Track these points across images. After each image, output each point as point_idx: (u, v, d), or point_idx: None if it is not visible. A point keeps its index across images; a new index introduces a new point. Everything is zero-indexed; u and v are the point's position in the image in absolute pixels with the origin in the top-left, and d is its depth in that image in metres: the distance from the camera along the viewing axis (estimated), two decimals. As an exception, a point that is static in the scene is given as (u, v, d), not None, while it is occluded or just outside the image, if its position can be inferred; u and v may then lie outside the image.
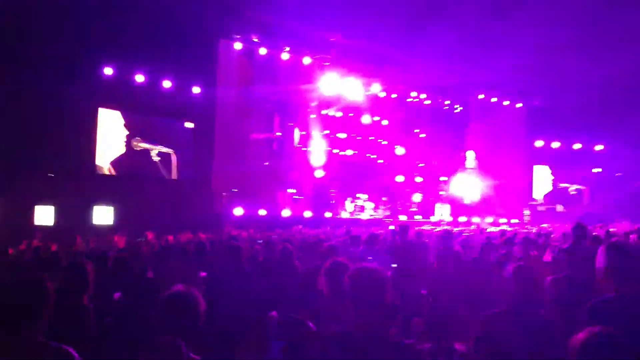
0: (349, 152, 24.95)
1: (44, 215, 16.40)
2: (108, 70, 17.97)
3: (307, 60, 22.09)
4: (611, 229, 11.19)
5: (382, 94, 24.41)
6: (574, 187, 29.31)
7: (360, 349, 2.55)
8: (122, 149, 19.13)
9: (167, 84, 19.40)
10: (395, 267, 5.55)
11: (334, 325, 2.83)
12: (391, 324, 2.69)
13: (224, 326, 4.11)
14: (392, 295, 2.75)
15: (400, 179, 26.10)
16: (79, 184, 16.80)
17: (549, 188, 29.34)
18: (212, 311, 2.68)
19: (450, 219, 25.28)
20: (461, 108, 27.29)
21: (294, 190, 22.66)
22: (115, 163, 18.95)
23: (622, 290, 2.98)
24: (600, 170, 28.83)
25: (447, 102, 26.84)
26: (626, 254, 3.10)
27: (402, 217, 23.98)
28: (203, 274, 5.15)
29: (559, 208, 28.71)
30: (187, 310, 2.56)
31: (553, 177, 29.45)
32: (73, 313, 3.42)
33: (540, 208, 28.61)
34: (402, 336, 2.70)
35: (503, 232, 10.90)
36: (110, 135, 18.83)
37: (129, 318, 4.50)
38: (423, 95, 25.46)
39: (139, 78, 18.75)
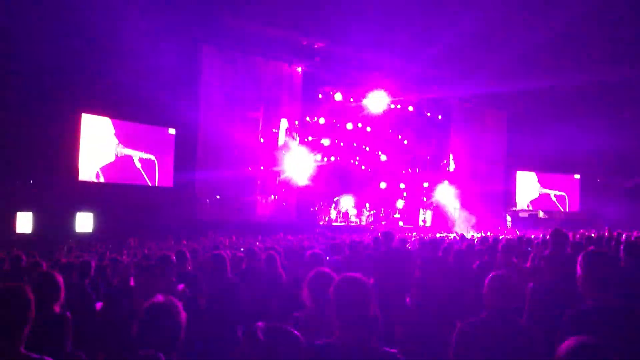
0: (333, 159, 25.00)
1: (24, 222, 16.19)
2: (91, 76, 17.79)
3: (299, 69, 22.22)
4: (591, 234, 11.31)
5: (368, 102, 24.51)
6: (554, 193, 29.66)
7: (345, 359, 2.55)
8: (111, 156, 19.02)
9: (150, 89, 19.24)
10: (378, 276, 5.55)
11: (319, 336, 2.81)
12: (375, 334, 2.67)
13: (207, 338, 4.08)
14: (375, 305, 2.75)
15: (383, 185, 26.22)
16: (59, 190, 16.61)
17: (534, 195, 29.61)
18: (194, 321, 2.64)
19: (430, 225, 25.48)
20: (440, 117, 27.50)
21: (276, 197, 22.63)
22: (105, 170, 18.82)
23: (600, 298, 3.00)
24: (578, 176, 29.24)
25: (428, 113, 27.05)
26: (603, 263, 3.12)
27: (384, 223, 24.12)
28: (180, 286, 5.10)
29: (541, 214, 29.03)
30: (168, 322, 2.51)
31: (539, 185, 29.75)
32: (46, 323, 3.36)
33: (522, 214, 28.90)
34: (384, 345, 2.69)
35: (485, 238, 10.96)
36: (96, 142, 18.68)
37: (111, 328, 4.45)
38: (410, 108, 25.61)
39: (121, 83, 18.56)
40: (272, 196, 22.43)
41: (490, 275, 3.26)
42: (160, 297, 2.58)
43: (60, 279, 3.82)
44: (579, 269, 3.12)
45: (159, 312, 2.52)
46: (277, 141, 22.94)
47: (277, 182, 22.70)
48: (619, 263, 3.30)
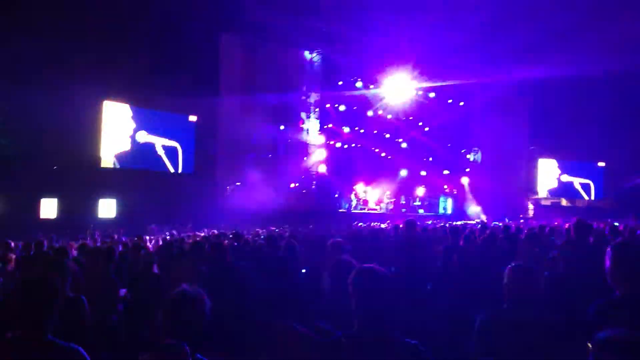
0: (353, 146, 24.91)
1: (49, 208, 16.47)
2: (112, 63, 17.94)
3: (307, 55, 22.03)
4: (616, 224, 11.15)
5: (389, 89, 24.26)
6: (579, 180, 29.23)
7: (365, 351, 2.55)
8: (133, 143, 19.22)
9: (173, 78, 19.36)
10: (399, 265, 5.53)
11: (339, 325, 2.82)
12: (395, 325, 2.67)
13: (228, 326, 4.10)
14: (395, 296, 2.75)
15: (404, 173, 26.09)
16: (83, 177, 16.84)
17: (557, 183, 29.18)
18: (215, 310, 2.66)
19: (451, 212, 25.33)
20: (462, 103, 27.17)
21: (297, 184, 22.68)
22: (127, 156, 19.04)
23: (627, 291, 2.97)
24: (603, 164, 28.77)
25: (450, 100, 26.73)
26: (632, 255, 3.08)
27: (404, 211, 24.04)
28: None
29: (564, 202, 28.64)
30: (192, 311, 2.52)
31: (560, 172, 29.33)
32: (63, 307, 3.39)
33: (544, 202, 28.54)
34: (405, 336, 2.68)
35: (507, 226, 10.86)
36: (117, 129, 18.87)
37: (136, 315, 4.51)
38: (431, 94, 25.37)
39: (143, 70, 18.70)
40: (293, 183, 22.46)
41: (511, 265, 3.24)
42: (185, 286, 2.61)
43: (68, 264, 3.87)
44: (607, 261, 3.08)
45: (184, 301, 2.54)
46: (299, 128, 22.93)
47: (298, 169, 22.72)
48: None
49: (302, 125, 23.14)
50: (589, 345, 2.03)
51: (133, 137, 19.24)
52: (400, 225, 10.88)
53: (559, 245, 5.17)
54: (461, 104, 26.86)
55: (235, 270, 5.24)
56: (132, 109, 19.21)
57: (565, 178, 29.25)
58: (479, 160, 27.67)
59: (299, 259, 5.76)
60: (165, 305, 2.55)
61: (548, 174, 29.21)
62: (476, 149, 27.73)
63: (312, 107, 23.25)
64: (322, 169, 23.23)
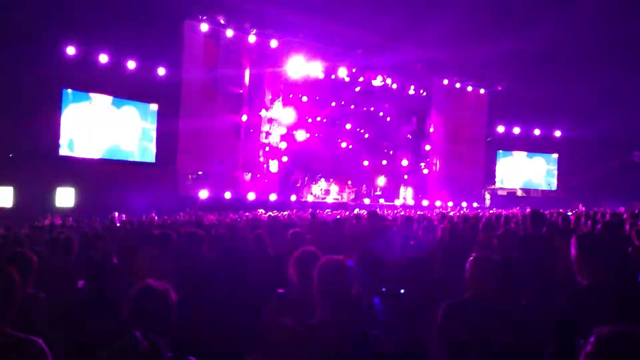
0: (315, 136, 24.94)
1: (5, 196, 16.00)
2: (70, 50, 17.50)
3: (274, 43, 21.84)
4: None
5: (347, 78, 24.30)
6: (533, 171, 30.02)
7: (328, 340, 2.59)
8: (92, 131, 18.82)
9: (131, 64, 19.01)
10: (362, 255, 5.59)
11: (304, 315, 2.85)
12: (357, 316, 2.72)
13: (197, 321, 4.09)
14: (358, 287, 2.78)
15: (364, 162, 26.32)
16: (40, 165, 16.41)
17: (514, 173, 29.85)
18: (182, 303, 2.66)
19: (412, 202, 25.67)
20: (425, 93, 27.48)
21: (259, 175, 22.59)
22: (86, 144, 18.75)
23: (594, 281, 3.06)
24: (557, 156, 29.65)
25: (412, 87, 26.98)
26: (596, 244, 3.19)
27: (366, 201, 24.24)
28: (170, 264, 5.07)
29: (519, 192, 29.42)
30: (159, 306, 2.53)
31: (519, 164, 30.06)
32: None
33: (500, 192, 29.25)
34: (368, 327, 2.74)
35: (466, 216, 11.09)
36: (76, 116, 18.45)
37: (95, 308, 4.42)
38: (388, 80, 25.52)
39: (103, 58, 18.31)
40: (251, 173, 22.35)
41: (472, 257, 3.30)
42: (151, 280, 2.59)
43: (34, 257, 3.78)
44: (573, 250, 3.18)
45: (150, 295, 2.53)
46: (260, 118, 22.78)
47: (260, 158, 22.63)
48: (611, 245, 3.36)
49: (264, 114, 22.97)
50: (582, 341, 2.01)
51: (93, 125, 18.81)
52: (360, 213, 11.05)
53: (521, 236, 5.32)
54: (423, 93, 27.13)
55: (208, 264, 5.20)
56: (92, 96, 18.77)
57: (521, 168, 30.02)
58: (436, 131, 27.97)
59: (266, 250, 5.76)
60: (131, 298, 2.54)
61: (506, 165, 29.92)
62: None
63: (276, 97, 23.10)
64: (285, 158, 23.20)
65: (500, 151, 29.74)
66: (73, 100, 18.42)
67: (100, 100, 19.12)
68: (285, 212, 16.38)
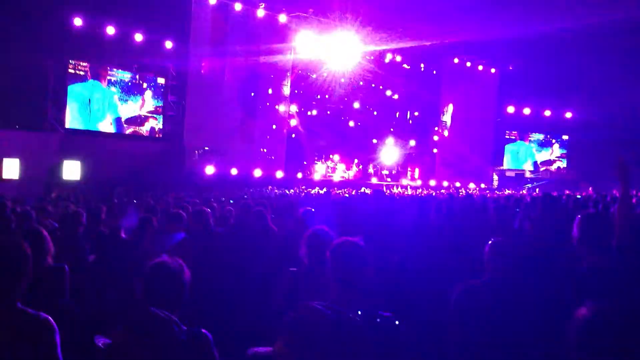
0: (323, 113, 24.80)
1: (11, 168, 16.02)
2: (77, 22, 17.33)
3: (283, 18, 21.59)
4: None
5: (359, 55, 24.05)
6: (543, 152, 29.85)
7: (340, 322, 2.56)
8: (99, 104, 18.79)
9: (138, 37, 18.85)
10: (367, 234, 5.52)
11: (314, 294, 2.82)
12: (371, 297, 2.69)
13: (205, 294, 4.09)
14: (372, 269, 2.75)
15: (373, 141, 26.21)
16: (47, 138, 16.41)
17: (523, 154, 29.74)
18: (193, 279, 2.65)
19: (420, 182, 25.60)
20: (435, 71, 27.23)
21: (266, 150, 22.54)
22: (92, 118, 18.66)
23: (595, 260, 3.03)
24: (567, 137, 29.43)
25: (422, 66, 26.72)
26: (599, 224, 3.14)
27: (374, 180, 24.21)
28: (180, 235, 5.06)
29: (528, 174, 29.28)
30: (173, 283, 2.51)
31: (528, 144, 29.90)
32: (40, 276, 3.32)
33: (508, 173, 29.13)
34: (380, 308, 2.71)
35: (473, 196, 11.00)
36: (87, 90, 18.41)
37: (104, 281, 4.43)
38: (398, 58, 25.26)
39: (110, 30, 18.14)
40: (258, 150, 22.29)
41: (491, 241, 3.29)
42: (165, 257, 2.59)
43: (45, 232, 3.77)
44: (575, 230, 3.14)
45: (165, 272, 2.53)
46: (268, 94, 22.64)
47: (267, 135, 22.54)
48: (615, 225, 3.31)
49: (274, 92, 22.81)
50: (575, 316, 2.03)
51: (98, 98, 18.74)
52: (366, 192, 11.03)
53: (531, 218, 5.26)
54: (433, 71, 26.89)
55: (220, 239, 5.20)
56: (99, 69, 18.67)
57: (531, 149, 29.87)
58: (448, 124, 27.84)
59: (268, 226, 5.73)
60: (144, 275, 2.53)
61: (515, 145, 29.78)
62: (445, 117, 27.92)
63: (285, 74, 22.91)
64: (292, 135, 23.13)
65: (509, 131, 29.54)
66: (80, 72, 18.29)
67: (108, 73, 19.00)
68: (291, 190, 16.38)
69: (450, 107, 27.48)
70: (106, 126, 19.01)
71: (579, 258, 3.16)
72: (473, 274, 3.33)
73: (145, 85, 19.96)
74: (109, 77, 19.02)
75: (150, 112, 20.08)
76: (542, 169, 29.67)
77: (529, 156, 29.80)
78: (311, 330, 1.66)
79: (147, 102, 19.96)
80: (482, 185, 25.63)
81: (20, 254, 2.58)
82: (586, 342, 1.94)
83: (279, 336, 1.74)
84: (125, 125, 19.47)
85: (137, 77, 19.68)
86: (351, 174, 24.73)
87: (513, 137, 29.73)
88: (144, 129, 19.95)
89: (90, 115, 18.61)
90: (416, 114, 27.60)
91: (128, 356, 2.39)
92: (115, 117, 19.21)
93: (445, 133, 27.57)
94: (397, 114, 27.13)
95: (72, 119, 18.18)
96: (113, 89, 19.08)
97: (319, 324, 1.66)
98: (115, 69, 19.14)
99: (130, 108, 19.56)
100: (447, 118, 27.62)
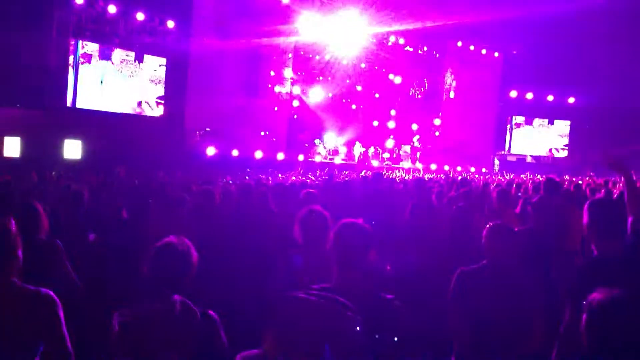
0: (325, 95, 24.67)
1: (12, 147, 15.97)
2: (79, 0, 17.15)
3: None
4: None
5: (362, 37, 23.84)
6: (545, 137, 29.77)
7: (326, 307, 2.54)
8: (100, 83, 18.64)
9: (140, 16, 18.67)
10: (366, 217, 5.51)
11: (312, 275, 2.81)
12: (374, 280, 2.68)
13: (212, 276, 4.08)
14: (375, 251, 2.74)
15: (374, 123, 26.12)
16: (48, 116, 16.31)
17: (525, 139, 29.62)
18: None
19: (421, 166, 25.54)
20: (438, 55, 27.03)
21: (267, 132, 22.46)
22: (94, 97, 18.53)
23: (605, 247, 3.00)
24: (569, 122, 29.32)
25: (425, 48, 26.51)
26: (608, 211, 3.11)
27: (375, 162, 24.15)
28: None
29: (529, 159, 29.23)
30: (180, 265, 2.52)
31: (530, 129, 29.80)
32: (32, 252, 3.29)
33: (510, 158, 29.07)
34: (383, 291, 2.70)
35: (478, 181, 10.99)
36: (88, 68, 18.27)
37: (105, 261, 4.42)
38: (402, 40, 25.06)
39: (111, 9, 17.96)
40: (260, 131, 22.21)
41: (489, 225, 3.26)
42: (172, 238, 2.57)
43: (38, 206, 3.75)
44: (585, 217, 3.11)
45: (172, 253, 2.52)
46: (270, 75, 22.50)
47: (268, 117, 22.45)
48: (625, 211, 3.27)
49: (276, 73, 22.66)
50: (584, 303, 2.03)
51: (101, 77, 18.61)
52: (365, 174, 10.98)
53: (533, 202, 5.24)
54: (436, 54, 26.69)
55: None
56: (100, 47, 18.52)
57: (533, 135, 29.78)
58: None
59: (269, 208, 5.72)
60: (152, 256, 2.52)
61: (518, 130, 29.68)
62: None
63: (287, 55, 22.74)
64: (294, 117, 23.03)
65: (512, 116, 29.41)
66: (82, 50, 18.14)
67: (110, 52, 18.84)
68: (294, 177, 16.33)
69: (453, 91, 27.33)
70: (108, 106, 18.89)
71: (588, 244, 3.13)
72: (473, 259, 3.33)
73: (146, 65, 19.80)
74: (112, 57, 18.87)
75: (150, 92, 19.96)
76: (543, 155, 29.61)
77: (531, 141, 29.71)
78: (297, 320, 1.64)
79: (147, 83, 19.82)
80: (484, 170, 25.56)
81: (8, 229, 2.53)
82: (597, 328, 1.94)
83: (265, 334, 1.72)
84: (126, 106, 19.37)
85: (137, 56, 19.49)
86: (353, 156, 24.68)
87: (519, 122, 29.63)
88: (146, 109, 19.85)
89: (94, 96, 18.50)
90: (418, 96, 27.46)
91: (137, 335, 2.38)
92: (116, 97, 19.09)
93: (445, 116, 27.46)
94: (399, 98, 26.98)
95: (77, 99, 18.08)
96: (114, 67, 18.94)
97: (305, 313, 1.64)
98: (116, 49, 18.98)
99: (131, 88, 19.44)
100: (449, 101, 27.48)
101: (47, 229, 3.76)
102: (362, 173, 16.15)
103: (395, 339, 2.48)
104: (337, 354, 1.61)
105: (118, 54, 19.05)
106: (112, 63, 18.92)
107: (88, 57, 18.29)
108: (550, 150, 29.77)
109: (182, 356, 2.35)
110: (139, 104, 19.71)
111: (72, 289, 3.47)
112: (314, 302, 1.67)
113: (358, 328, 1.67)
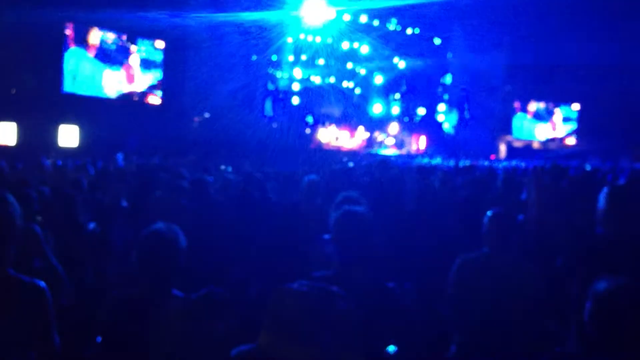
0: (327, 80, 24.53)
1: (8, 133, 15.88)
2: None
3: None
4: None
5: (363, 20, 23.61)
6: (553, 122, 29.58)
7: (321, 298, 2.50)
8: (97, 68, 18.50)
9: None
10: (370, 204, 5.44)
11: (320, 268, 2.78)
12: (375, 268, 2.65)
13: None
14: (375, 239, 2.72)
15: (377, 108, 25.98)
16: (43, 101, 16.17)
17: (532, 124, 29.46)
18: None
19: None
20: (440, 40, 26.79)
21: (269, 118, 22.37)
22: (91, 82, 18.40)
23: (619, 234, 2.95)
24: (578, 106, 29.05)
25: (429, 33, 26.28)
26: (626, 198, 3.06)
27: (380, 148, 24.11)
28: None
29: (536, 144, 29.08)
30: (167, 252, 2.46)
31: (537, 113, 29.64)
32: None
33: (516, 144, 28.90)
34: (384, 278, 2.68)
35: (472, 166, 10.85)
36: (84, 53, 18.10)
37: (103, 249, 4.37)
38: (404, 24, 24.84)
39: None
40: (264, 115, 22.11)
41: (490, 212, 3.22)
42: (160, 225, 2.53)
43: (31, 194, 3.69)
44: (602, 203, 3.06)
45: (158, 240, 2.47)
46: (270, 59, 22.33)
47: (269, 101, 22.33)
48: None
49: (278, 57, 22.51)
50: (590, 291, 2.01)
51: (96, 62, 18.45)
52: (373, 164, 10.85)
53: (538, 189, 5.14)
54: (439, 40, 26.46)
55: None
56: (97, 31, 18.34)
57: (540, 119, 29.62)
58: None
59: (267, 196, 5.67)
60: (138, 245, 2.47)
61: (524, 115, 29.52)
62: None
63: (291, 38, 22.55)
64: (296, 101, 22.92)
65: (519, 101, 29.20)
66: (77, 34, 17.96)
67: (106, 36, 18.66)
68: None
69: (451, 76, 27.13)
70: (104, 90, 18.74)
71: (603, 230, 3.08)
72: (477, 246, 3.28)
73: (141, 48, 19.59)
74: (101, 40, 18.60)
75: (148, 76, 19.79)
76: (549, 139, 29.45)
77: (534, 127, 29.55)
78: (289, 313, 1.61)
79: (145, 66, 19.66)
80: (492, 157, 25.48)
81: (6, 215, 2.44)
82: (602, 317, 1.94)
83: (261, 328, 1.68)
84: (124, 92, 19.23)
85: (131, 40, 19.26)
86: (356, 141, 24.61)
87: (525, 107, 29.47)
88: (143, 94, 19.72)
89: (89, 82, 18.36)
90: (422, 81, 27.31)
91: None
92: (112, 81, 18.93)
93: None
94: (403, 82, 26.83)
95: (73, 85, 17.95)
96: (111, 51, 18.77)
97: (297, 305, 1.60)
98: (107, 31, 18.69)
99: (127, 72, 19.28)
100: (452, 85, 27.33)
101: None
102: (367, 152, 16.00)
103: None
104: (331, 344, 1.55)
105: (114, 38, 18.82)
106: (109, 47, 18.69)
107: (84, 41, 18.07)
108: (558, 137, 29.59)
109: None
110: (137, 88, 19.52)
111: (55, 278, 3.34)
112: (306, 293, 1.63)
113: (352, 318, 1.63)
